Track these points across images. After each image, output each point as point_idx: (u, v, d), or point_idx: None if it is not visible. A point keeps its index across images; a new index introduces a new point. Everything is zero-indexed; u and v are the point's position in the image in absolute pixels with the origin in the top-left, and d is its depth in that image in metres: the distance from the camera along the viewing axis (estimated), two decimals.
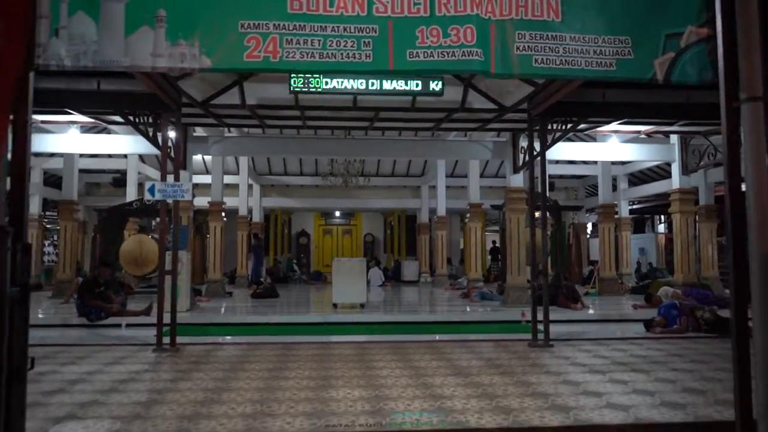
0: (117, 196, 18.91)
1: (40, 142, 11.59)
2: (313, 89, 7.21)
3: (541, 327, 7.81)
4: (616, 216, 16.46)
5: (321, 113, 9.43)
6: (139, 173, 18.49)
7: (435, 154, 13.07)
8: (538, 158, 8.17)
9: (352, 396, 5.01)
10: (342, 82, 7.16)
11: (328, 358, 6.81)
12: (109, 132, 13.33)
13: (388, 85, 7.26)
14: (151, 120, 8.20)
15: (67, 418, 4.35)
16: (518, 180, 11.64)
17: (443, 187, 18.80)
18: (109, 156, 19.15)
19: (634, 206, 22.80)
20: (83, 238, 19.14)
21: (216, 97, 8.52)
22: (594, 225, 27.46)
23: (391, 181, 22.86)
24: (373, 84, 7.21)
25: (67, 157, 14.13)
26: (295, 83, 7.32)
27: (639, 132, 11.55)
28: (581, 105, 8.07)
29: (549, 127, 8.42)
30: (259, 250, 20.84)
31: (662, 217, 30.86)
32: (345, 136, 13.24)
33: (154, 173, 17.87)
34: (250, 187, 19.88)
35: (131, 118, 8.30)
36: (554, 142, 8.61)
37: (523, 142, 11.43)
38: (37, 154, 17.60)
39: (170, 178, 7.98)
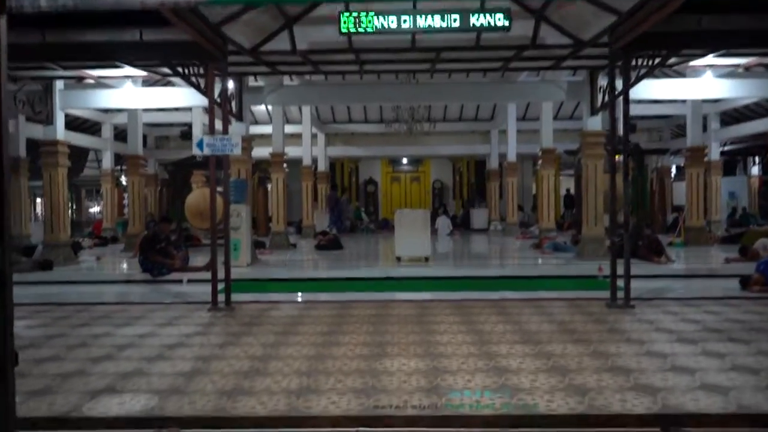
0: (185, 149, 19.00)
1: (98, 98, 11.49)
2: (364, 29, 6.55)
3: (620, 284, 7.08)
4: (705, 159, 15.03)
5: (378, 56, 8.76)
6: (204, 125, 18.51)
7: (505, 96, 12.14)
8: (620, 98, 7.26)
9: (407, 368, 4.56)
10: (394, 20, 6.46)
11: (386, 320, 6.40)
12: (172, 85, 13.17)
13: (445, 21, 6.49)
14: (201, 71, 7.82)
15: (105, 392, 4.13)
16: (596, 123, 10.64)
17: (514, 131, 17.78)
18: (176, 109, 19.29)
19: (726, 148, 20.91)
20: (155, 191, 19.47)
21: (265, 43, 8.02)
22: (679, 168, 25.61)
23: (459, 127, 21.95)
24: (429, 21, 6.47)
25: (131, 112, 14.14)
26: (345, 24, 6.69)
27: (737, 65, 10.19)
28: (673, 35, 7.00)
29: (633, 62, 7.42)
30: (336, 200, 20.60)
31: (756, 158, 28.46)
32: (408, 81, 12.52)
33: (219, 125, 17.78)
34: (314, 136, 19.54)
35: (180, 69, 7.96)
36: (639, 79, 7.61)
37: (602, 81, 10.36)
38: (106, 110, 17.95)
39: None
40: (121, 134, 19.84)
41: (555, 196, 14.87)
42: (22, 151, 13.90)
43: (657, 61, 7.75)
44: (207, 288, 7.40)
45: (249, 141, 10.92)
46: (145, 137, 21.40)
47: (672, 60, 8.52)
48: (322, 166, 20.81)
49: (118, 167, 20.26)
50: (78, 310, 7.25)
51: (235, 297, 7.71)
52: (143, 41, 6.89)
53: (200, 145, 7.18)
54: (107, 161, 18.44)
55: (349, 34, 7.15)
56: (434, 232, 17.73)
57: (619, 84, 7.37)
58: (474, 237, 18.82)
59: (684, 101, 15.57)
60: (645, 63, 7.75)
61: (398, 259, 10.75)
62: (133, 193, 14.24)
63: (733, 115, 19.29)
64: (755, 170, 28.98)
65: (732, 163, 29.92)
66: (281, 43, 8.05)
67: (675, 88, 11.43)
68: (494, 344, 5.26)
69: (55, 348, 5.36)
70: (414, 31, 7.20)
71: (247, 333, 5.87)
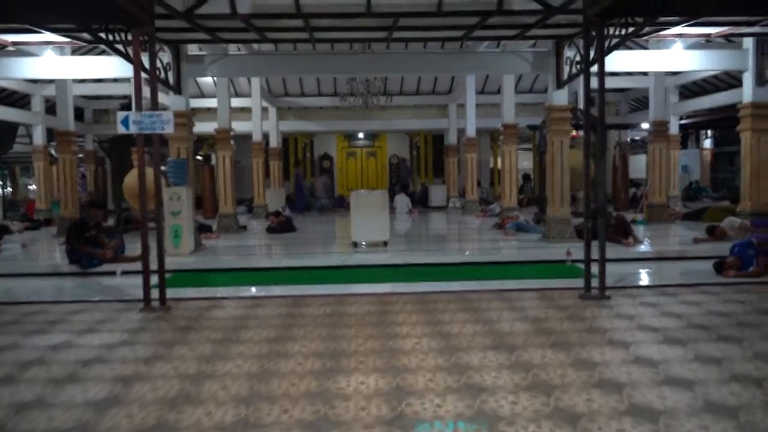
0: None
1: (19, 67, 10.23)
2: None
3: (594, 271, 6.57)
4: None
5: (330, 22, 7.91)
6: (145, 98, 17.23)
7: (465, 68, 11.40)
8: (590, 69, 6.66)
9: (366, 388, 3.88)
10: None
11: (342, 320, 5.71)
12: (107, 54, 11.94)
13: None
14: (127, 37, 6.82)
15: None
16: (561, 97, 10.06)
17: (473, 105, 17.18)
18: (115, 80, 17.92)
19: (683, 121, 20.80)
20: (93, 169, 18.14)
21: (200, 5, 7.07)
22: (632, 142, 25.50)
23: (416, 100, 21.20)
24: None
25: (59, 83, 12.90)
26: None
27: (708, 35, 9.71)
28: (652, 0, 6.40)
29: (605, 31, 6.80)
30: (301, 179, 19.74)
31: (708, 131, 28.69)
32: (363, 51, 11.66)
33: (163, 98, 16.54)
34: (264, 110, 18.50)
35: (103, 35, 6.94)
36: (612, 48, 6.99)
37: (569, 52, 9.78)
38: (34, 81, 16.46)
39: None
40: (54, 108, 18.42)
41: (516, 173, 14.29)
42: None
43: (631, 30, 7.17)
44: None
45: (189, 116, 9.94)
46: (82, 110, 20.01)
47: (645, 29, 7.94)
48: (274, 142, 19.80)
49: (53, 143, 18.83)
50: None
51: (174, 292, 6.93)
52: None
53: (125, 122, 6.26)
54: (39, 137, 17.00)
55: None
56: (392, 210, 17.10)
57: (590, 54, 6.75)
58: (433, 215, 18.24)
59: (645, 74, 15.24)
60: (618, 32, 7.16)
61: (355, 244, 10.04)
62: (65, 171, 13.05)
63: (691, 89, 19.13)
64: (707, 143, 29.32)
65: (684, 136, 30.16)
66: (219, 5, 7.12)
67: (640, 60, 10.91)
68: (464, 351, 4.63)
69: None
70: None
71: (181, 341, 5.09)
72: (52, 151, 17.21)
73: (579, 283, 6.97)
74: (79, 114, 19.87)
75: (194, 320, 5.85)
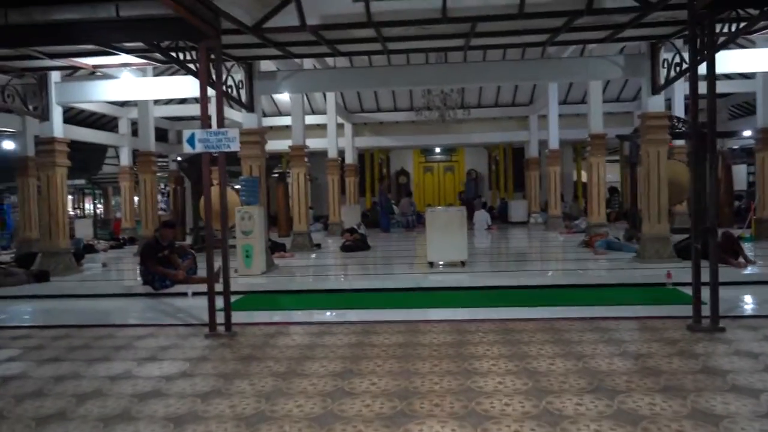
0: None
1: (97, 90, 10.36)
2: None
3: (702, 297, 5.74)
4: None
5: (403, 30, 7.48)
6: (225, 118, 17.49)
7: (549, 75, 10.60)
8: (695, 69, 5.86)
9: None
10: None
11: (415, 352, 5.19)
12: (183, 74, 12.09)
13: None
14: (195, 55, 6.67)
15: None
16: (658, 103, 9.17)
17: (555, 116, 16.32)
18: (197, 100, 18.35)
19: None
20: (174, 189, 18.57)
21: (269, 18, 6.83)
22: (733, 151, 23.55)
23: (494, 112, 20.55)
24: None
25: (141, 105, 13.20)
26: None
27: None
28: None
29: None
30: (386, 195, 19.50)
31: None
32: (439, 61, 11.20)
33: (237, 116, 16.72)
34: (340, 126, 18.35)
35: (173, 53, 6.85)
36: (720, 46, 6.18)
37: (665, 54, 8.90)
38: (122, 104, 17.09)
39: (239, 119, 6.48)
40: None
41: (605, 187, 13.31)
42: (30, 150, 13.02)
43: (743, 25, 6.32)
44: (217, 301, 6.31)
45: (262, 134, 9.77)
46: (166, 132, 20.65)
47: (759, 24, 7.00)
48: (349, 158, 19.63)
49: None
50: (57, 336, 6.25)
51: (242, 316, 6.68)
52: (120, 18, 5.75)
53: (191, 141, 6.05)
54: (125, 158, 17.62)
55: (366, 1, 5.89)
56: (471, 226, 16.45)
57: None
58: (513, 232, 17.41)
59: (747, 77, 13.97)
60: (727, 29, 6.34)
61: (431, 264, 9.50)
62: (146, 191, 13.29)
63: None
64: None
65: None
66: (288, 17, 6.85)
67: (750, 60, 9.79)
68: (555, 395, 3.99)
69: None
70: None
71: (243, 374, 4.72)
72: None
73: (684, 311, 6.17)
74: (163, 135, 20.55)
75: (259, 348, 5.49)
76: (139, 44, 7.40)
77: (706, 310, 5.73)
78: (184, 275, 8.44)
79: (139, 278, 8.73)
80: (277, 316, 7.11)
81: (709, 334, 5.49)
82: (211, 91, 7.91)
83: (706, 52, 5.64)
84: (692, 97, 5.77)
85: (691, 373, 4.39)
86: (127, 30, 5.96)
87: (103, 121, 18.88)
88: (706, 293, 5.74)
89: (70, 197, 25.24)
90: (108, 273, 10.63)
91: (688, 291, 7.34)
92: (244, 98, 9.39)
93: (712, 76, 5.61)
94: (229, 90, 8.77)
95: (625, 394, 3.98)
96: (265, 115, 20.82)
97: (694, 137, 5.84)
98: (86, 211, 26.66)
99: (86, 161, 19.10)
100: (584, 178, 26.98)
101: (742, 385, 4.08)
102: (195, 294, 8.19)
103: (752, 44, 11.69)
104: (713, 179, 5.70)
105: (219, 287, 6.25)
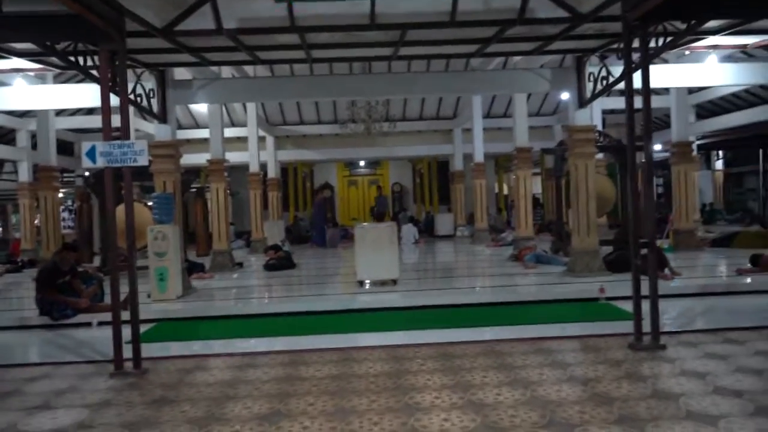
0: None
1: None
2: None
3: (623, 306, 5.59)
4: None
5: (329, 37, 7.04)
6: (137, 130, 16.42)
7: (476, 88, 10.40)
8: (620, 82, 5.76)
9: None
10: None
11: (351, 384, 4.72)
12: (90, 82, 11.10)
13: None
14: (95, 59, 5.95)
15: None
16: (585, 116, 9.17)
17: (480, 129, 16.34)
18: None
19: (698, 142, 20.00)
20: (80, 206, 17.23)
21: (181, 20, 6.21)
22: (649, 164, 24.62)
23: (419, 125, 20.47)
24: None
25: (40, 115, 12.08)
26: None
27: (745, 46, 8.86)
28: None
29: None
30: (322, 208, 18.55)
31: (719, 152, 27.82)
32: (364, 72, 10.83)
33: (149, 127, 15.71)
34: (261, 139, 17.64)
35: (72, 58, 6.10)
36: (653, 57, 6.10)
37: (591, 68, 8.92)
38: (22, 114, 15.71)
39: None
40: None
41: (532, 200, 13.33)
42: None
43: (669, 39, 6.30)
44: (125, 331, 5.58)
45: (176, 146, 9.04)
46: (72, 145, 19.23)
47: (685, 38, 7.05)
48: (272, 172, 18.94)
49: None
50: None
51: (154, 348, 6.02)
52: (4, 13, 5.01)
53: (91, 154, 5.37)
54: (24, 173, 16.15)
55: (288, 1, 5.42)
56: (398, 240, 16.14)
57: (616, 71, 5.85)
58: (441, 246, 17.26)
59: (663, 93, 14.47)
60: (653, 43, 6.31)
61: (360, 283, 9.06)
62: (46, 209, 12.14)
63: (707, 108, 18.39)
64: (719, 164, 28.42)
65: None
66: (203, 20, 6.26)
67: (670, 75, 10.00)
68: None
69: None
70: None
71: (153, 422, 4.08)
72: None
73: (622, 327, 6.08)
74: (68, 148, 19.12)
75: (172, 388, 4.84)
76: (33, 47, 6.59)
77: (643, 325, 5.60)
78: (87, 303, 7.58)
79: (35, 307, 7.76)
80: (195, 346, 6.43)
81: (651, 353, 5.33)
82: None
83: (635, 65, 5.54)
84: (628, 107, 5.65)
85: (643, 398, 4.15)
86: (14, 28, 5.20)
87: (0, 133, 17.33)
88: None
89: None
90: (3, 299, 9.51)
91: (622, 305, 7.38)
92: (156, 108, 8.65)
93: (647, 88, 5.51)
94: (139, 99, 8.04)
95: (581, 427, 3.68)
96: (182, 127, 19.88)
97: (630, 150, 5.71)
98: None
99: None
100: (506, 190, 27.53)
101: (698, 411, 3.87)
102: (101, 324, 7.35)
103: (664, 61, 12.06)
104: (650, 192, 5.59)
105: (127, 316, 5.54)
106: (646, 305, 5.56)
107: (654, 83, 9.91)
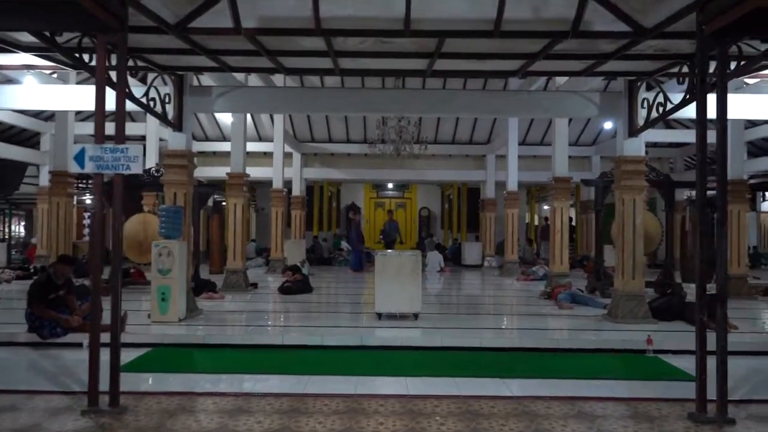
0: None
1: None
2: None
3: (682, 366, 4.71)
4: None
5: (358, 43, 6.38)
6: (161, 139, 16.04)
7: (517, 109, 9.38)
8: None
9: None
10: None
11: None
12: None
13: None
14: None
15: None
16: (635, 146, 8.34)
17: (515, 156, 15.53)
18: (132, 120, 16.82)
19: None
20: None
21: (196, 16, 5.61)
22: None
23: (451, 149, 19.76)
24: None
25: (59, 118, 11.68)
26: None
27: None
28: None
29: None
30: (359, 231, 17.86)
31: (766, 193, 26.49)
32: (397, 87, 10.17)
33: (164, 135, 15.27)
34: (288, 155, 17.08)
35: (77, 55, 5.58)
36: (730, 76, 5.29)
37: (645, 94, 8.12)
38: (47, 118, 15.48)
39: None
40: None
41: (569, 234, 12.44)
42: None
43: (743, 63, 5.50)
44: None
45: (190, 157, 8.44)
46: None
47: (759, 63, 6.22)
48: (297, 190, 18.36)
49: None
50: None
51: (140, 380, 5.36)
52: None
53: (80, 158, 4.76)
54: (45, 178, 15.84)
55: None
56: (423, 267, 15.34)
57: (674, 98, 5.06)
58: (468, 276, 16.36)
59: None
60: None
61: (378, 315, 8.29)
62: (58, 215, 11.68)
63: (757, 145, 17.36)
64: (765, 206, 27.08)
65: None
66: (219, 17, 5.65)
67: (732, 105, 9.08)
68: None
69: None
70: None
71: None
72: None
73: (676, 389, 5.30)
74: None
75: None
76: (38, 41, 6.05)
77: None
78: (79, 321, 6.92)
79: (24, 323, 7.14)
80: (187, 380, 5.70)
81: (718, 428, 4.44)
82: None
83: (717, 86, 4.73)
84: (699, 140, 4.82)
85: None
86: (11, 15, 4.64)
87: (23, 136, 17.13)
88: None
89: None
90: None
91: (671, 360, 6.49)
92: (171, 114, 8.09)
93: (723, 113, 4.70)
94: (151, 103, 7.47)
95: None
96: (208, 139, 19.50)
97: (699, 184, 4.87)
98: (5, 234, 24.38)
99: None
100: (536, 221, 26.52)
101: None
102: None
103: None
104: (722, 232, 4.74)
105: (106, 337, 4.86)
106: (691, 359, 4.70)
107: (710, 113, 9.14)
